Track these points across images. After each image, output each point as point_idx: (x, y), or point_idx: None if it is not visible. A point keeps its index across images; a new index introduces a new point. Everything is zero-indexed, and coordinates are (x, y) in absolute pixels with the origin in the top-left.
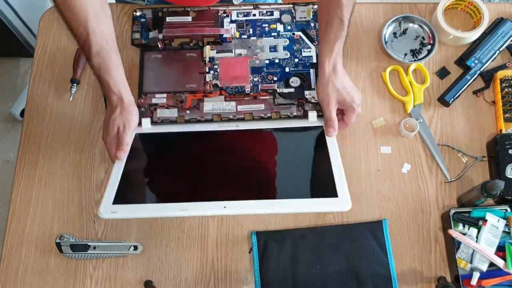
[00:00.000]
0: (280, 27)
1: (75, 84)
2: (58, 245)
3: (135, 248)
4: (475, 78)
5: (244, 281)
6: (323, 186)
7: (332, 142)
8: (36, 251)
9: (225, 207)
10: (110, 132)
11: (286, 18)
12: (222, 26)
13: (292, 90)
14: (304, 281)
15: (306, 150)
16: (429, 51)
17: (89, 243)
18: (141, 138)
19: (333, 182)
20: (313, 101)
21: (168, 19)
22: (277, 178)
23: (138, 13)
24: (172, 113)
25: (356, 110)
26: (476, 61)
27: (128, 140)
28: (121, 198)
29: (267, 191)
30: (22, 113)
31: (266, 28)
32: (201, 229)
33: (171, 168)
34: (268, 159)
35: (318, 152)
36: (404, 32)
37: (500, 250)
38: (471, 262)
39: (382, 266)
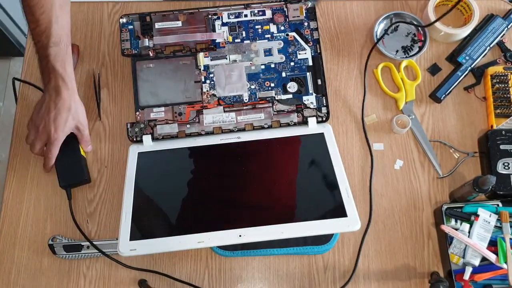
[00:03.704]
0: (273, 28)
1: None
2: (51, 247)
3: None
4: (466, 74)
5: (239, 279)
6: (332, 205)
7: (334, 152)
8: (29, 252)
9: (240, 235)
10: (58, 130)
11: (278, 18)
12: (214, 30)
13: (290, 96)
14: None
15: (311, 163)
16: (420, 48)
17: (82, 243)
18: (145, 157)
19: (341, 200)
20: (311, 106)
21: (157, 25)
22: (287, 199)
23: (124, 20)
24: (173, 128)
25: None
26: (467, 58)
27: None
28: (136, 233)
29: (279, 215)
30: None
31: (259, 30)
32: None
33: (181, 190)
34: (276, 177)
35: (322, 165)
36: (396, 29)
37: (492, 244)
38: (463, 257)
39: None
